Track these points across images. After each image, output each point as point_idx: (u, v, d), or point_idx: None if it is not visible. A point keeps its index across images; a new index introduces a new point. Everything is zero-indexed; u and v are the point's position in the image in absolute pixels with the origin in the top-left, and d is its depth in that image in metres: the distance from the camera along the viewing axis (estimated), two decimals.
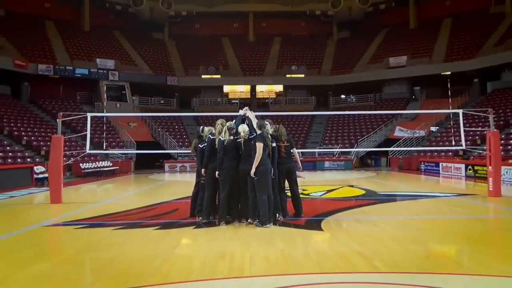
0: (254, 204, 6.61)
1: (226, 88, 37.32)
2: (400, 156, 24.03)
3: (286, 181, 7.28)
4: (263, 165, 6.41)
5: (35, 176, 15.63)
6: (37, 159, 20.85)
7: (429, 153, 22.15)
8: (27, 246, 5.44)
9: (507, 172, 14.47)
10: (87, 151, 9.98)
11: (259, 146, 6.39)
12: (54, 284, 3.87)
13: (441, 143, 23.55)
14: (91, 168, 20.21)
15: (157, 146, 28.11)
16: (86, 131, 9.89)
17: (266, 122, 7.51)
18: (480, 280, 3.87)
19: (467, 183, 14.70)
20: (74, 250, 5.20)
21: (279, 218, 6.91)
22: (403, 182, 15.17)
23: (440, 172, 18.88)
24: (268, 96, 37.35)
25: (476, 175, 16.20)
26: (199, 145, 7.24)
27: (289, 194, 7.38)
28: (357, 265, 4.35)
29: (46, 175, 16.15)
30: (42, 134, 24.50)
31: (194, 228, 6.49)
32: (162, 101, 34.55)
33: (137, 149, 26.40)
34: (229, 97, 37.55)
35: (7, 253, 5.07)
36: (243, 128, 6.78)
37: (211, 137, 6.92)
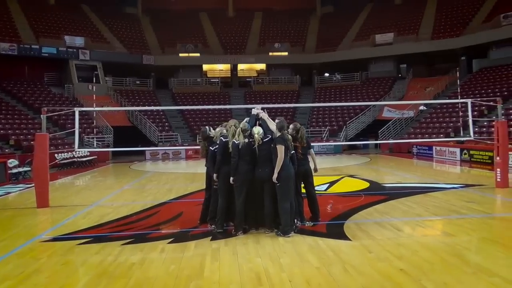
0: (271, 212, 6.42)
1: (205, 67, 36.52)
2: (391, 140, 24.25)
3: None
4: (285, 170, 6.17)
5: (8, 171, 14.88)
6: (6, 150, 19.94)
7: (419, 135, 22.46)
8: (35, 269, 5.06)
9: None
10: (76, 148, 9.45)
11: (280, 149, 6.12)
12: None
13: (431, 124, 23.89)
14: (67, 158, 19.44)
15: (135, 131, 27.43)
16: (74, 126, 9.32)
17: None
18: None
19: (467, 170, 14.92)
20: (93, 275, 4.86)
21: (297, 224, 6.74)
22: (402, 169, 15.28)
23: (434, 156, 19.17)
24: (250, 75, 36.85)
25: (472, 159, 16.51)
26: (210, 148, 6.91)
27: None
28: (407, 287, 4.24)
29: (21, 169, 15.47)
30: (10, 121, 23.38)
31: (211, 240, 6.23)
32: (137, 82, 33.61)
33: (114, 135, 25.63)
34: (208, 76, 36.83)
35: (18, 280, 4.70)
36: (257, 130, 6.50)
37: (224, 140, 6.61)
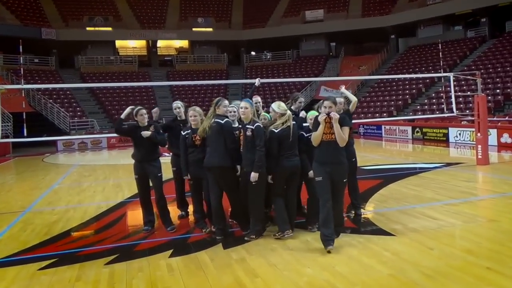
0: (296, 209, 5.67)
1: (119, 44, 33.77)
2: None
3: None
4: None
5: None
6: None
7: (362, 115, 22.84)
8: None
9: (460, 134, 15.40)
10: (0, 140, 7.51)
11: (347, 131, 4.87)
12: None
13: (372, 103, 24.51)
14: None
15: (39, 118, 24.35)
16: None
17: (259, 99, 6.53)
18: None
19: (430, 148, 15.10)
20: None
21: None
22: (363, 150, 15.20)
23: (383, 135, 19.54)
24: (170, 53, 34.91)
25: (425, 137, 17.03)
26: (181, 132, 5.84)
27: None
28: None
29: None
30: None
31: (224, 248, 5.13)
32: (36, 60, 29.92)
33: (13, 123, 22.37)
34: (120, 53, 34.12)
35: None
36: (278, 106, 5.51)
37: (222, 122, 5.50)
